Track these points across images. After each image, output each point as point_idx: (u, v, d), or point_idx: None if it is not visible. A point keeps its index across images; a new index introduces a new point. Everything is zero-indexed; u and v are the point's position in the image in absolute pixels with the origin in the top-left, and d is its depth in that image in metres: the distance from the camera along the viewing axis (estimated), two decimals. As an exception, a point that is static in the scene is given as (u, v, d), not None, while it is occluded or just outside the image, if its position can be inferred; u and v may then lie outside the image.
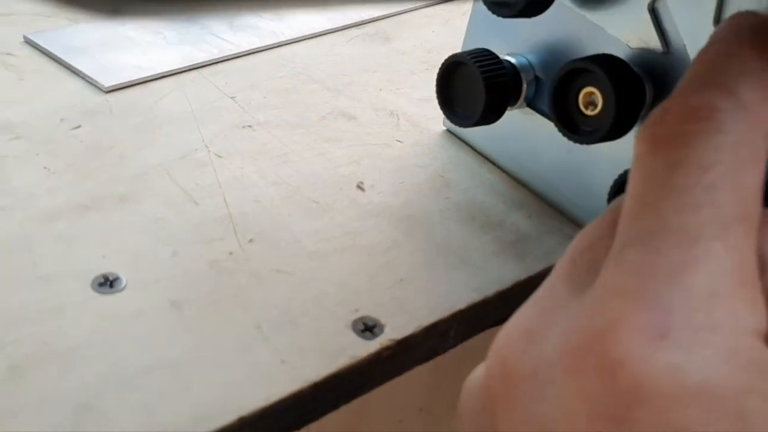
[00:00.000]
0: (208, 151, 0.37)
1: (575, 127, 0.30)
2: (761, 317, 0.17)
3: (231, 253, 0.30)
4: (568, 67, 0.30)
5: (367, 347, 0.27)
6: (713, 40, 0.21)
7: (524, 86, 0.34)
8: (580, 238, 0.21)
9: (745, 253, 0.17)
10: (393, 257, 0.31)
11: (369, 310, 0.28)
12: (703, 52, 0.20)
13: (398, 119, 0.41)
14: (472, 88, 0.34)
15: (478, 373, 0.20)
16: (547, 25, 0.33)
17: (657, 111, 0.19)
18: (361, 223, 0.33)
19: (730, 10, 0.26)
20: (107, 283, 0.28)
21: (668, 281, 0.16)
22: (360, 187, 0.35)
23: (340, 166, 0.37)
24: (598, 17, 0.31)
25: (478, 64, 0.33)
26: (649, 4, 0.28)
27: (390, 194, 0.35)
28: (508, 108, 0.35)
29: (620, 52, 0.30)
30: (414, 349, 0.28)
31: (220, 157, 0.36)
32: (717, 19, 0.27)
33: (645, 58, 0.30)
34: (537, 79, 0.35)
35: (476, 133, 0.39)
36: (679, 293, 0.16)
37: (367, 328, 0.27)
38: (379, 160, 0.37)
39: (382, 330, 0.27)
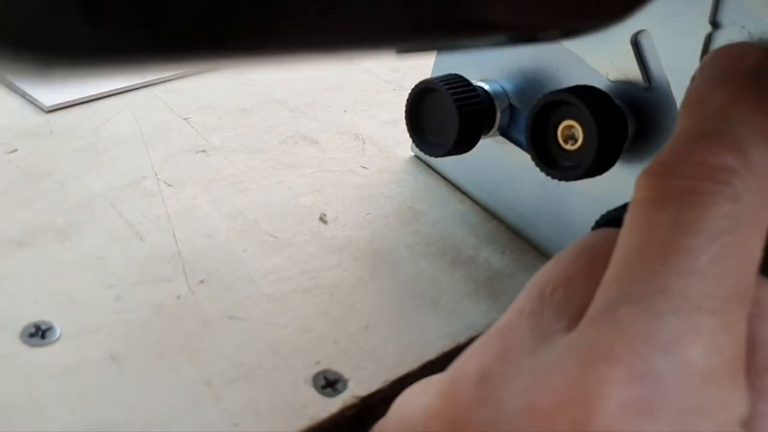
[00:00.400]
0: (158, 178, 0.34)
1: (554, 162, 0.28)
2: (745, 403, 0.16)
3: (179, 297, 0.28)
4: (545, 100, 0.28)
5: (329, 406, 0.24)
6: (711, 79, 0.20)
7: (498, 114, 0.32)
8: (549, 271, 0.19)
9: (740, 334, 0.16)
10: (358, 299, 0.29)
11: (331, 361, 0.26)
12: (707, 95, 0.19)
13: (363, 143, 0.39)
14: (445, 116, 0.31)
15: (418, 401, 0.18)
16: (522, 51, 0.31)
17: (667, 158, 0.18)
18: (323, 259, 0.31)
19: (717, 45, 0.24)
20: (39, 334, 0.25)
21: (662, 351, 0.15)
22: (323, 219, 0.33)
23: (301, 195, 0.34)
24: (576, 46, 0.29)
25: (450, 90, 0.31)
26: (632, 36, 0.27)
27: (355, 227, 0.33)
28: (481, 137, 0.33)
29: (599, 84, 0.28)
30: (380, 405, 0.26)
31: (170, 185, 0.34)
32: (705, 52, 0.25)
33: (626, 91, 0.28)
34: (511, 107, 0.33)
35: (446, 161, 0.36)
36: (672, 367, 0.15)
37: (329, 383, 0.25)
38: (343, 188, 0.35)
39: (345, 385, 0.25)
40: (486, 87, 0.32)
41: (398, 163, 0.38)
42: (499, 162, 0.34)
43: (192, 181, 0.34)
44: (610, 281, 0.17)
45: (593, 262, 0.18)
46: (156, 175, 0.34)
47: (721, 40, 0.24)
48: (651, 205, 0.17)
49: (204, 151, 0.36)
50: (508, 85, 0.33)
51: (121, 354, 0.25)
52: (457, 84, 0.31)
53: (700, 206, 0.16)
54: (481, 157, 0.35)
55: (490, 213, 0.35)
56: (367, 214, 0.34)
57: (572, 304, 0.18)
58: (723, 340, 0.15)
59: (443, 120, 0.32)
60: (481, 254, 0.33)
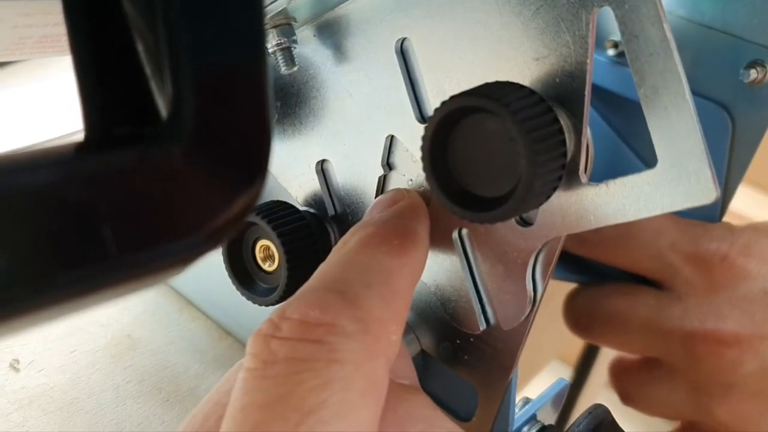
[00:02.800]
0: None
1: (253, 284, 0.26)
2: None
3: None
4: (235, 219, 0.25)
5: None
6: (359, 223, 0.19)
7: (212, 227, 0.30)
8: (191, 419, 0.17)
9: None
10: (39, 467, 0.25)
11: None
12: (346, 239, 0.18)
13: (87, 261, 0.35)
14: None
15: None
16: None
17: (275, 314, 0.16)
18: (2, 420, 0.26)
19: (391, 186, 0.23)
20: None
21: None
22: (14, 366, 0.28)
23: (-7, 337, 0.29)
24: (273, 168, 0.27)
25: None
26: (317, 164, 0.25)
27: (53, 371, 0.28)
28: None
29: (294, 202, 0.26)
30: None
31: None
32: (380, 192, 0.24)
33: (320, 214, 0.26)
34: (226, 217, 0.30)
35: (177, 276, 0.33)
36: None
37: None
38: (48, 322, 0.31)
39: None
40: (197, 198, 0.30)
41: (124, 281, 0.34)
42: (226, 275, 0.31)
43: None
44: None
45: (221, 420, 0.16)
46: None
47: (395, 180, 0.23)
48: (249, 379, 0.15)
49: None
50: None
51: None
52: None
53: (293, 378, 0.15)
54: (209, 271, 0.32)
55: (223, 330, 0.32)
56: (73, 351, 0.30)
57: None
58: None
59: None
60: (204, 384, 0.29)
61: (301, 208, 0.25)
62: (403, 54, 0.21)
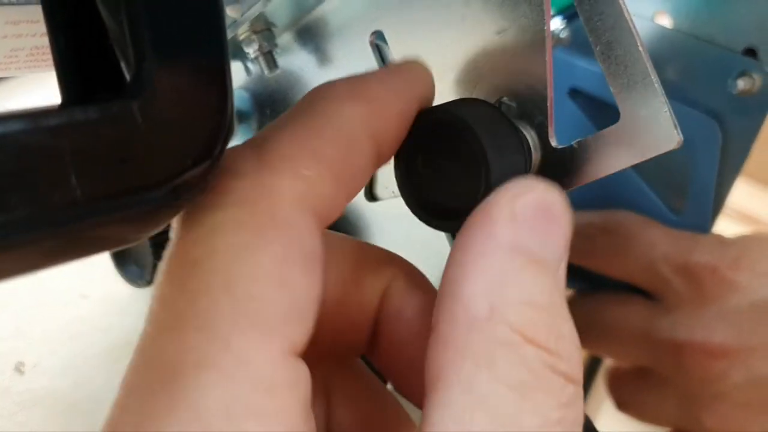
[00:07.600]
0: None
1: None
2: None
3: None
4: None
5: None
6: None
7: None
8: None
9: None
10: (39, 468, 0.26)
11: None
12: None
13: (92, 264, 0.36)
14: (142, 246, 0.29)
15: None
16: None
17: None
18: (6, 421, 0.27)
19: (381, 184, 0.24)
20: None
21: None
22: (19, 368, 0.29)
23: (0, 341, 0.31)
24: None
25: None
26: None
27: (56, 374, 0.29)
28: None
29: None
30: None
31: None
32: (370, 193, 0.24)
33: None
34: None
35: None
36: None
37: None
38: (52, 325, 0.32)
39: None
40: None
41: (127, 286, 0.35)
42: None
43: None
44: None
45: None
46: None
47: (381, 179, 0.24)
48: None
49: None
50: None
51: None
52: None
53: (184, 238, 0.13)
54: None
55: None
56: (75, 355, 0.31)
57: None
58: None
59: (142, 250, 0.29)
60: (201, 388, 0.30)
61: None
62: (377, 44, 0.22)
